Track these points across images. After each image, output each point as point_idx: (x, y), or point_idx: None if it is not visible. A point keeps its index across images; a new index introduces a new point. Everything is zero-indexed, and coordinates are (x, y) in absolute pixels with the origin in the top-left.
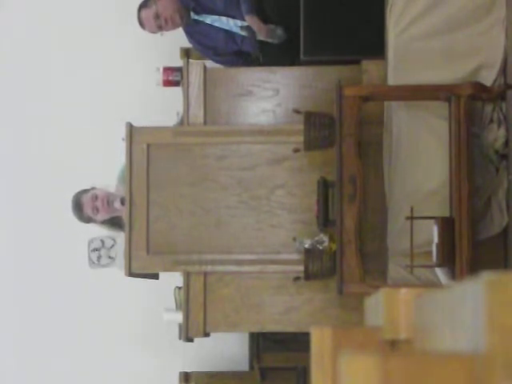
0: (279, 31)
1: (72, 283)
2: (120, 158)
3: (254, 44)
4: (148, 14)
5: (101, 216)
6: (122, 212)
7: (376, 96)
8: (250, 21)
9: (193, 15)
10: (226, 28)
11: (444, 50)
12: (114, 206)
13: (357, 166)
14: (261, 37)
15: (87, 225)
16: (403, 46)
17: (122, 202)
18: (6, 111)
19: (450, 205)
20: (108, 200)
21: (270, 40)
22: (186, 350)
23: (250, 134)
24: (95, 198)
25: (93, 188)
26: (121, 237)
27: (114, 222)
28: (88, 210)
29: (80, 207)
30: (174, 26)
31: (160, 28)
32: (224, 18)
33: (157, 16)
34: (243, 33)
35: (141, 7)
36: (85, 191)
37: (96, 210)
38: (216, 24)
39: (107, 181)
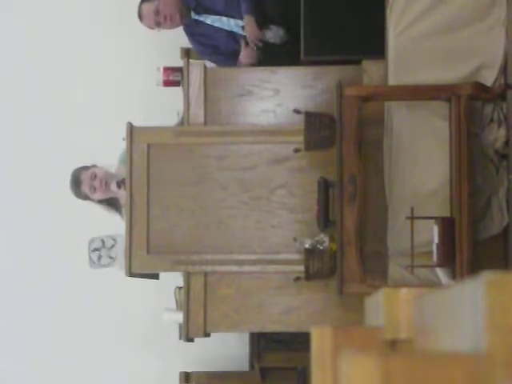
0: (281, 32)
1: (72, 283)
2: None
3: None
4: (149, 8)
5: (97, 196)
6: (118, 195)
7: (376, 96)
8: (247, 21)
9: (193, 15)
10: (227, 28)
11: (444, 49)
12: (110, 188)
13: (357, 165)
14: (249, 39)
15: (84, 202)
16: (403, 45)
17: (119, 185)
18: (6, 111)
19: (450, 205)
20: (106, 181)
21: (271, 40)
22: (186, 350)
23: (250, 134)
24: (94, 176)
25: (93, 165)
26: (121, 237)
27: (111, 203)
28: (85, 188)
29: (78, 184)
30: (173, 25)
31: (158, 24)
32: (225, 18)
33: (157, 12)
34: (244, 33)
35: (143, 1)
36: (85, 168)
37: (93, 189)
38: (216, 24)
39: (109, 160)
